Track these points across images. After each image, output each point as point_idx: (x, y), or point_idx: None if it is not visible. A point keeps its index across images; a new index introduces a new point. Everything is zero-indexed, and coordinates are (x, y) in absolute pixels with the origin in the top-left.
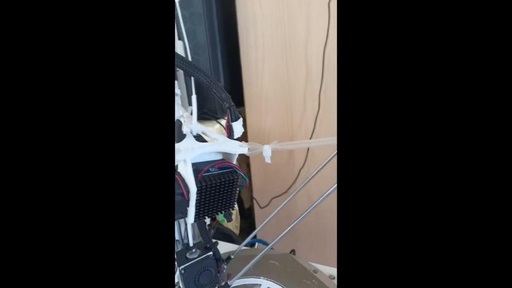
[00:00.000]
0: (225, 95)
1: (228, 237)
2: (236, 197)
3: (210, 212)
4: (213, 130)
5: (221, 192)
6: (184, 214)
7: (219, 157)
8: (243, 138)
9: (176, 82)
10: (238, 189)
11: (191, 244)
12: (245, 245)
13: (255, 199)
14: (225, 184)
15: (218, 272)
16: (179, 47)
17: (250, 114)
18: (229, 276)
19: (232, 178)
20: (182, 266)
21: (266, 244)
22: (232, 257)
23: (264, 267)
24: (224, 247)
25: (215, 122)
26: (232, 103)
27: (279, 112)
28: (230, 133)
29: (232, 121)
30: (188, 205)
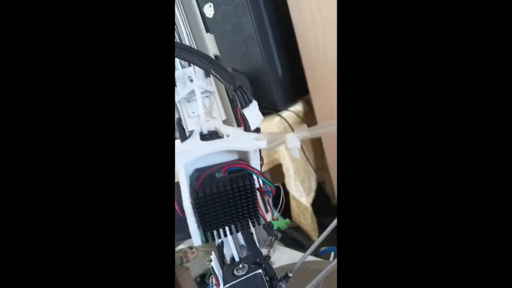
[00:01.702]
0: (228, 77)
1: (297, 242)
2: (257, 205)
3: (223, 228)
4: (272, 124)
5: (232, 202)
6: (188, 234)
7: (235, 157)
8: None
9: (209, 79)
10: (264, 195)
11: (236, 258)
12: (316, 255)
13: None
14: (236, 192)
15: None
16: (210, 40)
17: (317, 101)
18: None
19: (244, 183)
20: (227, 285)
21: None
22: (291, 275)
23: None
24: (289, 256)
25: (275, 115)
26: (238, 84)
27: None
28: (245, 125)
29: (243, 108)
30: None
